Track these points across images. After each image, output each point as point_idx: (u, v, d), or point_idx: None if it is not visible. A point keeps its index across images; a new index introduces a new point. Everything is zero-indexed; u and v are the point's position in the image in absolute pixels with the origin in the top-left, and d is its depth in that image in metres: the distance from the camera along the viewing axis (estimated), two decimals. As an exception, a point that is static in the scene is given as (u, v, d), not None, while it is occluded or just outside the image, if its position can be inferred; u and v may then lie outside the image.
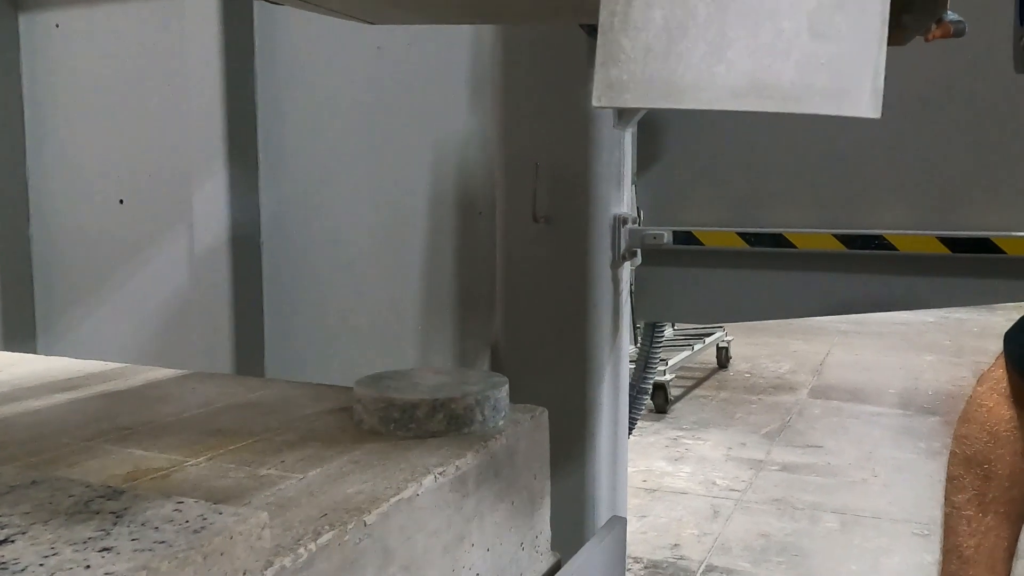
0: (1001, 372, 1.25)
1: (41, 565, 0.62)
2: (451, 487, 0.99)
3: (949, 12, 0.93)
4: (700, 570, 3.40)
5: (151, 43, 2.40)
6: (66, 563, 0.63)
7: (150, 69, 2.41)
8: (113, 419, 1.18)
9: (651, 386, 3.56)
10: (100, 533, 0.68)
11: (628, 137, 2.01)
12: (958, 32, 0.95)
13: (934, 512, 3.91)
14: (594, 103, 0.66)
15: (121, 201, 2.53)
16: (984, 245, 1.87)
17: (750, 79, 0.65)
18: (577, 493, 1.97)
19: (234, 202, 2.31)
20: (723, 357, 7.08)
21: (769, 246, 2.02)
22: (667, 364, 5.67)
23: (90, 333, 2.58)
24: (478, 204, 2.17)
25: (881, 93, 0.67)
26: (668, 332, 6.34)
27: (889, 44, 0.86)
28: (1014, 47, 0.77)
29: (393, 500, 0.90)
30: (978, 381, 1.28)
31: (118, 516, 0.71)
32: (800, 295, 2.10)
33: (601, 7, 0.65)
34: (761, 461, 4.71)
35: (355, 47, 2.20)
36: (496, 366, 2.04)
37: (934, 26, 0.95)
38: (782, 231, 2.01)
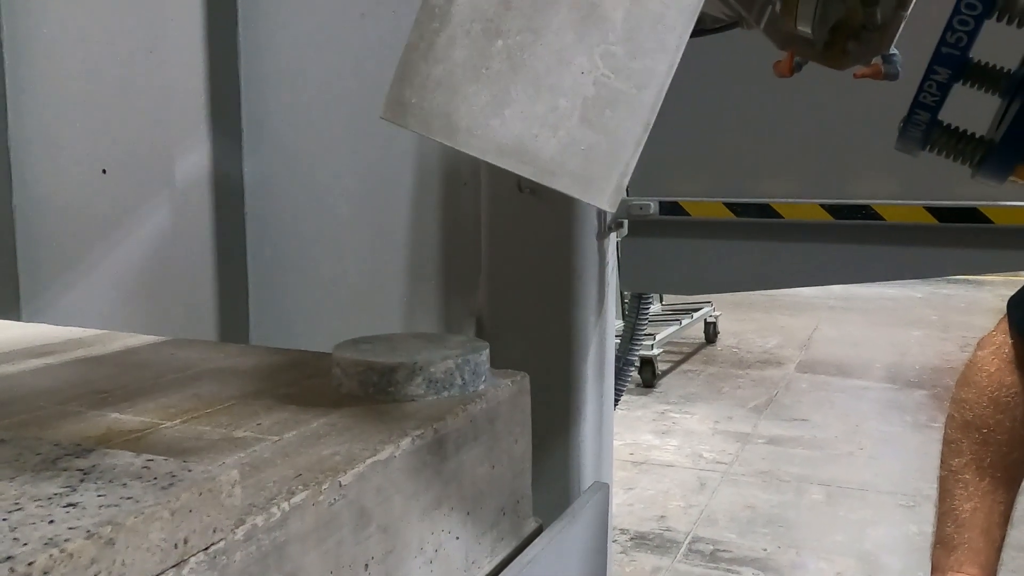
0: (1004, 337, 1.24)
1: (4, 520, 0.61)
2: (429, 450, 0.99)
3: (894, 52, 0.92)
4: (686, 541, 3.42)
5: (133, 12, 2.37)
6: (29, 518, 0.62)
7: (132, 38, 2.37)
8: (89, 384, 1.17)
9: (637, 359, 3.58)
10: (66, 489, 0.67)
11: (614, 106, 1.99)
12: (888, 75, 0.94)
13: (919, 484, 3.96)
14: (380, 115, 0.71)
15: (104, 171, 2.50)
16: (972, 215, 1.86)
17: (517, 141, 0.69)
18: (562, 463, 1.97)
19: (217, 171, 2.29)
20: (711, 332, 7.09)
21: (756, 216, 2.01)
22: (655, 339, 5.67)
23: (74, 303, 2.56)
24: (463, 174, 2.15)
25: (623, 191, 0.70)
26: (656, 307, 6.35)
27: (829, 66, 0.86)
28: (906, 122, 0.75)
29: (369, 461, 0.89)
30: (978, 345, 1.27)
31: (85, 473, 0.70)
32: (787, 266, 2.09)
33: (413, 26, 0.69)
34: (748, 434, 4.73)
35: (339, 14, 2.17)
36: (480, 337, 2.03)
37: (863, 65, 0.94)
38: (769, 201, 2.00)
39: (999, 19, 0.72)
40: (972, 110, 0.80)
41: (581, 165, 0.69)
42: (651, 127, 0.70)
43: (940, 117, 0.78)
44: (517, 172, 0.70)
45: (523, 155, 0.69)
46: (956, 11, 0.70)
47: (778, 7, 0.87)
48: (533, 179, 0.70)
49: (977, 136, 0.75)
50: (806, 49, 0.90)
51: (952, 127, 0.75)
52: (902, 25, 0.88)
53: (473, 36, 0.69)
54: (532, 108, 0.69)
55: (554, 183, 0.70)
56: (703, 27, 1.06)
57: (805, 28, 0.85)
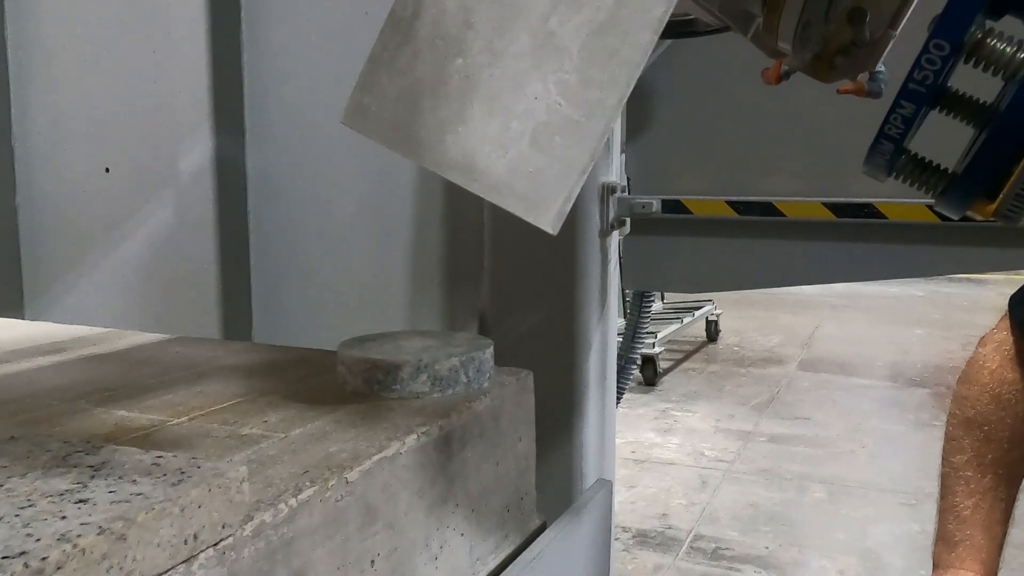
0: (1006, 335, 1.24)
1: (17, 516, 0.62)
2: (435, 447, 0.99)
3: (881, 69, 0.92)
4: (688, 539, 3.43)
5: (136, 11, 2.37)
6: (42, 514, 0.62)
7: (135, 37, 2.38)
8: (96, 381, 1.18)
9: (639, 357, 3.58)
10: (77, 486, 0.68)
11: (617, 104, 1.99)
12: (871, 93, 0.95)
13: (921, 482, 3.96)
14: (341, 120, 0.74)
15: (107, 170, 2.51)
16: (973, 214, 1.86)
17: (468, 159, 0.72)
18: (564, 461, 1.97)
19: (220, 170, 2.29)
20: (712, 330, 7.09)
21: (758, 215, 2.02)
22: (656, 337, 5.68)
23: (78, 302, 2.57)
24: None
25: (565, 215, 0.72)
26: (657, 305, 6.36)
27: (815, 78, 0.87)
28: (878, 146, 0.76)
29: (376, 458, 0.89)
30: (980, 342, 1.28)
31: (96, 470, 0.71)
32: (789, 264, 2.10)
33: (378, 37, 0.71)
34: (749, 432, 4.73)
35: (343, 12, 2.17)
36: (483, 335, 2.04)
37: (848, 80, 0.95)
38: (771, 200, 2.01)
39: (966, 62, 0.72)
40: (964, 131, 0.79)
41: (527, 186, 0.72)
42: (597, 156, 0.72)
43: (910, 146, 0.78)
44: (466, 187, 0.73)
45: (473, 172, 0.72)
46: (925, 49, 0.71)
47: (761, 24, 0.87)
48: (481, 195, 0.72)
49: (941, 168, 0.75)
50: (794, 60, 0.91)
51: (918, 157, 0.76)
52: (891, 44, 0.88)
53: (435, 52, 0.71)
54: (485, 127, 0.71)
55: (500, 201, 0.72)
56: (695, 29, 1.07)
57: (786, 45, 0.86)
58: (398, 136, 0.73)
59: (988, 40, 0.70)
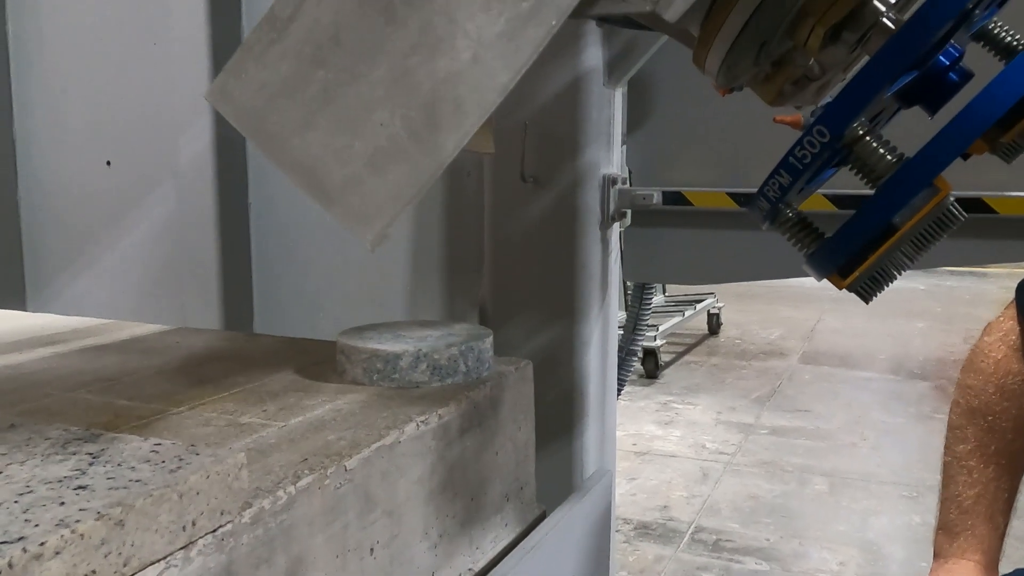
0: (1011, 324, 1.24)
1: (16, 502, 0.62)
2: (434, 436, 0.99)
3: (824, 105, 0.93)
4: (689, 531, 3.43)
5: (136, 3, 2.37)
6: (41, 500, 0.63)
7: (136, 29, 2.38)
8: (96, 371, 1.18)
9: (640, 349, 3.58)
10: (76, 472, 0.68)
11: (618, 96, 1.99)
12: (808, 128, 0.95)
13: (922, 475, 3.95)
14: (205, 95, 0.78)
15: (108, 163, 2.51)
16: (976, 205, 1.86)
17: (310, 163, 0.76)
18: (566, 452, 1.97)
19: (221, 162, 2.29)
20: (714, 323, 7.09)
21: (759, 206, 2.01)
22: (658, 330, 5.67)
23: (79, 295, 2.57)
24: (466, 164, 2.16)
25: (386, 236, 0.76)
26: (659, 299, 6.36)
27: (763, 99, 0.88)
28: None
29: (374, 446, 0.90)
30: (985, 331, 1.27)
31: (95, 457, 0.71)
32: (790, 255, 2.08)
33: (255, 28, 0.75)
34: (751, 425, 4.73)
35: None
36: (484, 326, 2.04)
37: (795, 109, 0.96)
38: (771, 191, 2.00)
39: (842, 154, 0.74)
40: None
41: (356, 202, 0.76)
42: (426, 189, 0.76)
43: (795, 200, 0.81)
44: (301, 190, 0.77)
45: (311, 177, 0.76)
46: (808, 131, 0.73)
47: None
48: (313, 200, 0.77)
49: (817, 231, 0.77)
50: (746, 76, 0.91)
51: (796, 218, 0.77)
52: (839, 84, 0.89)
53: (300, 58, 0.75)
54: (330, 140, 0.75)
55: (330, 210, 0.77)
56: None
57: (711, 73, 0.87)
58: (252, 125, 0.77)
59: (867, 138, 0.72)
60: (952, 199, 0.69)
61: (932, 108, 0.82)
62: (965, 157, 0.78)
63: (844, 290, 0.76)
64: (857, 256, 0.72)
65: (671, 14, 0.79)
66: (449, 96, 0.73)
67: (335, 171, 0.75)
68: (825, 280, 0.77)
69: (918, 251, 0.72)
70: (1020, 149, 0.76)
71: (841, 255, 0.73)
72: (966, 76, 0.79)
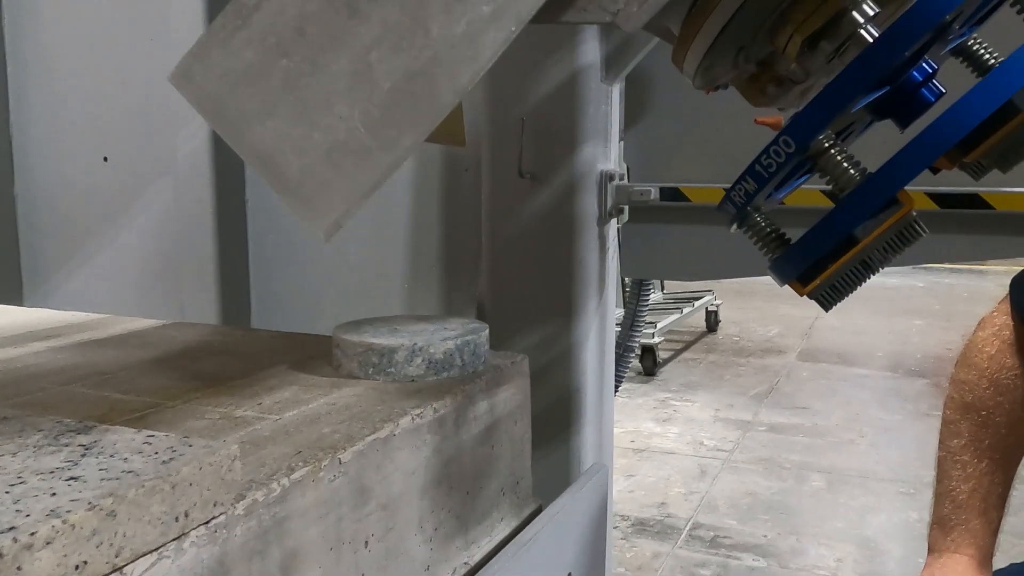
0: (1005, 319, 1.24)
1: (7, 493, 0.62)
2: (429, 429, 0.99)
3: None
4: (687, 527, 3.43)
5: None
6: (32, 491, 0.62)
7: (132, 25, 2.37)
8: (91, 365, 1.18)
9: (638, 346, 3.58)
10: (68, 463, 0.68)
11: (616, 92, 1.99)
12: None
13: (920, 471, 3.96)
14: (168, 78, 0.79)
15: (105, 159, 2.50)
16: (973, 201, 1.86)
17: (268, 152, 0.76)
18: (563, 447, 1.98)
19: (218, 158, 2.29)
20: (712, 321, 7.09)
21: (756, 202, 2.01)
22: (656, 327, 5.68)
23: (76, 290, 2.57)
24: (464, 160, 2.16)
25: (339, 228, 0.77)
26: (657, 296, 6.35)
27: (745, 98, 0.89)
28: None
29: (369, 439, 0.89)
30: (979, 325, 1.27)
31: (87, 448, 0.71)
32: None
33: (221, 14, 0.75)
34: (749, 422, 4.74)
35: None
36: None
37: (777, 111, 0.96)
38: (769, 187, 2.00)
39: (808, 163, 0.74)
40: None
41: (312, 193, 0.77)
42: (382, 184, 0.76)
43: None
44: (260, 177, 0.78)
45: (270, 165, 0.77)
46: (774, 140, 0.73)
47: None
48: (271, 187, 0.78)
49: (783, 236, 0.77)
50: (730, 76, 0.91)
51: (762, 222, 0.78)
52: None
53: (264, 46, 0.75)
54: (290, 129, 0.76)
55: (286, 200, 0.78)
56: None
57: (688, 74, 0.87)
58: (213, 110, 0.78)
59: (831, 151, 0.72)
60: (914, 214, 0.69)
61: (903, 123, 0.82)
62: (934, 171, 0.79)
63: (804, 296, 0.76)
64: (817, 265, 0.72)
65: (630, 26, 0.80)
66: (408, 93, 0.74)
67: (293, 161, 0.76)
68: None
69: (880, 263, 0.72)
70: (986, 168, 0.76)
71: (801, 264, 0.73)
72: (938, 94, 0.79)
